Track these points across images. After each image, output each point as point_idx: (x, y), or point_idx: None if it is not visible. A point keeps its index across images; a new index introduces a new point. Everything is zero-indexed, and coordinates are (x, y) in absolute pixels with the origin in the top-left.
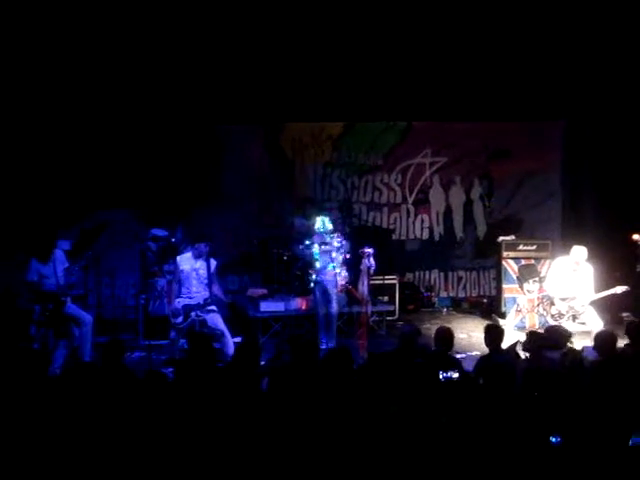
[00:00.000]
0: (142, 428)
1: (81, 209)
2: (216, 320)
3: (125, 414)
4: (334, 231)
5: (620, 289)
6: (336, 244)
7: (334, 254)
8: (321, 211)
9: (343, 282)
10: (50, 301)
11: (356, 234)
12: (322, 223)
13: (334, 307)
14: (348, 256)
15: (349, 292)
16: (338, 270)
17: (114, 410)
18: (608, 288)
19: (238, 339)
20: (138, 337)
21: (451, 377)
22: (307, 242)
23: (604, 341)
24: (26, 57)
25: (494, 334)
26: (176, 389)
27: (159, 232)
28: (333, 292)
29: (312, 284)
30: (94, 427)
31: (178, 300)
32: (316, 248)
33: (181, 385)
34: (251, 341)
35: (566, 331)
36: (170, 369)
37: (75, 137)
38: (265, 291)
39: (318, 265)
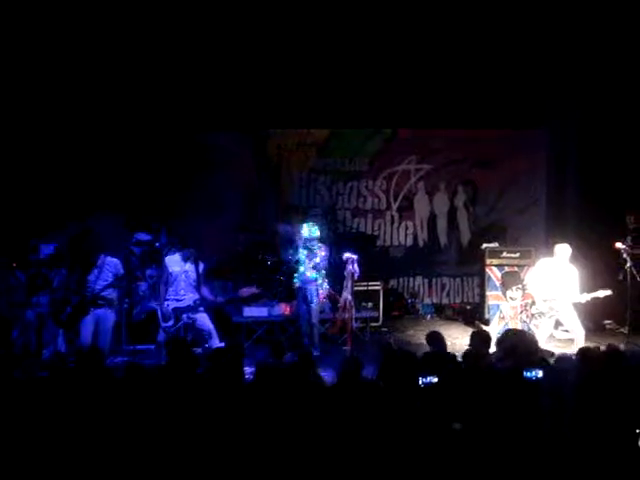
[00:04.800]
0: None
1: (66, 214)
2: (204, 320)
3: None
4: (320, 239)
5: (603, 293)
6: (318, 259)
7: (317, 262)
8: (307, 218)
9: (324, 294)
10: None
11: (340, 240)
12: (309, 230)
13: (314, 316)
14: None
15: (332, 298)
16: (320, 281)
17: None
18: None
19: (222, 345)
20: (121, 342)
21: (431, 382)
22: (294, 248)
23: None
24: (11, 70)
25: (479, 339)
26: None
27: (143, 237)
28: (314, 301)
29: (295, 289)
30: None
31: (167, 303)
32: (302, 253)
33: (160, 392)
34: (234, 345)
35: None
36: None
37: (62, 143)
38: (255, 290)
39: (302, 269)
